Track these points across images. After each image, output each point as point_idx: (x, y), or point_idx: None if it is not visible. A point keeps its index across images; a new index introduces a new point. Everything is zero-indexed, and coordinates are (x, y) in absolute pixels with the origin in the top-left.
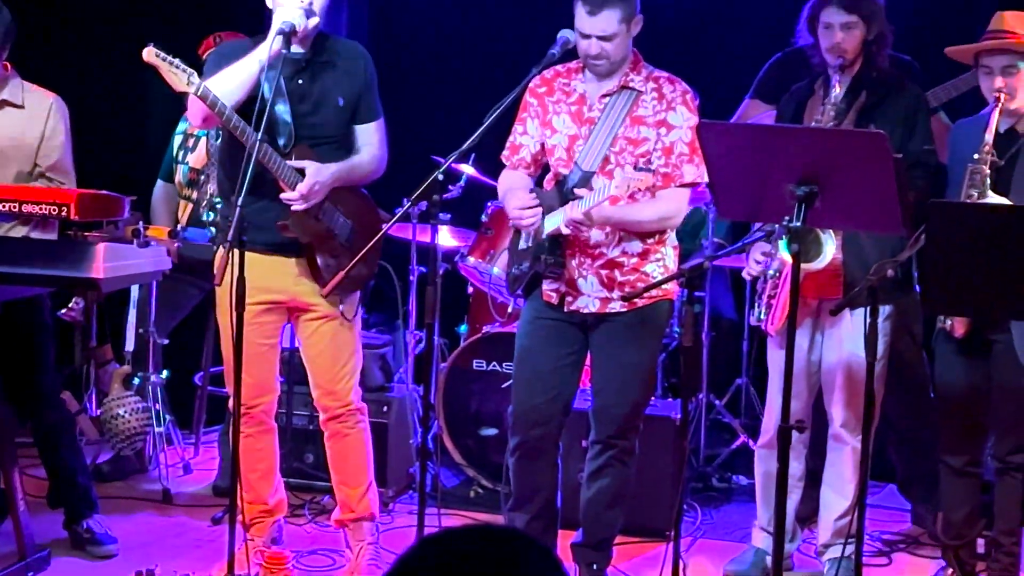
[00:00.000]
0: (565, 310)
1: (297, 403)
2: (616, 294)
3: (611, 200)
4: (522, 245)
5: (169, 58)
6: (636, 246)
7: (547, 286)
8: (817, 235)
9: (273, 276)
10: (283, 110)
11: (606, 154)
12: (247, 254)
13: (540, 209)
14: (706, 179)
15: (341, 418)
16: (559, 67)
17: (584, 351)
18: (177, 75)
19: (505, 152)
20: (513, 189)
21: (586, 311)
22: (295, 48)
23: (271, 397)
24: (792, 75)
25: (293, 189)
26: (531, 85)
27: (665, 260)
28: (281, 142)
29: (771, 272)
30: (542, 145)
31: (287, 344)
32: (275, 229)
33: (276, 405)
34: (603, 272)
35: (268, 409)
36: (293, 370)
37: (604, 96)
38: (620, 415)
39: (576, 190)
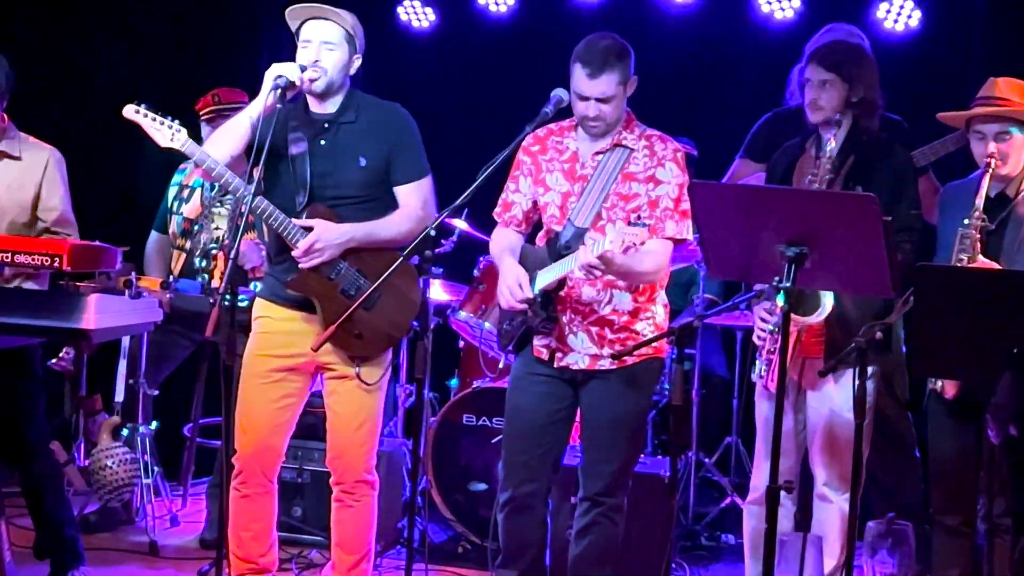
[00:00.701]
0: (555, 366)
1: (287, 456)
2: (606, 351)
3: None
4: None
5: (151, 114)
6: (627, 304)
7: (538, 342)
8: (815, 289)
9: (293, 333)
10: (304, 169)
11: (599, 211)
12: (271, 306)
13: (527, 303)
14: (690, 237)
15: (348, 487)
16: (552, 125)
17: (574, 407)
18: (161, 131)
19: (497, 209)
20: (509, 258)
21: (576, 367)
22: (320, 108)
23: (276, 460)
24: (781, 134)
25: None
26: (524, 143)
27: (655, 318)
28: (299, 200)
29: (770, 328)
30: (534, 203)
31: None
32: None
33: (278, 468)
34: (593, 329)
35: (269, 471)
36: None
37: (597, 154)
38: (609, 472)
39: (589, 234)
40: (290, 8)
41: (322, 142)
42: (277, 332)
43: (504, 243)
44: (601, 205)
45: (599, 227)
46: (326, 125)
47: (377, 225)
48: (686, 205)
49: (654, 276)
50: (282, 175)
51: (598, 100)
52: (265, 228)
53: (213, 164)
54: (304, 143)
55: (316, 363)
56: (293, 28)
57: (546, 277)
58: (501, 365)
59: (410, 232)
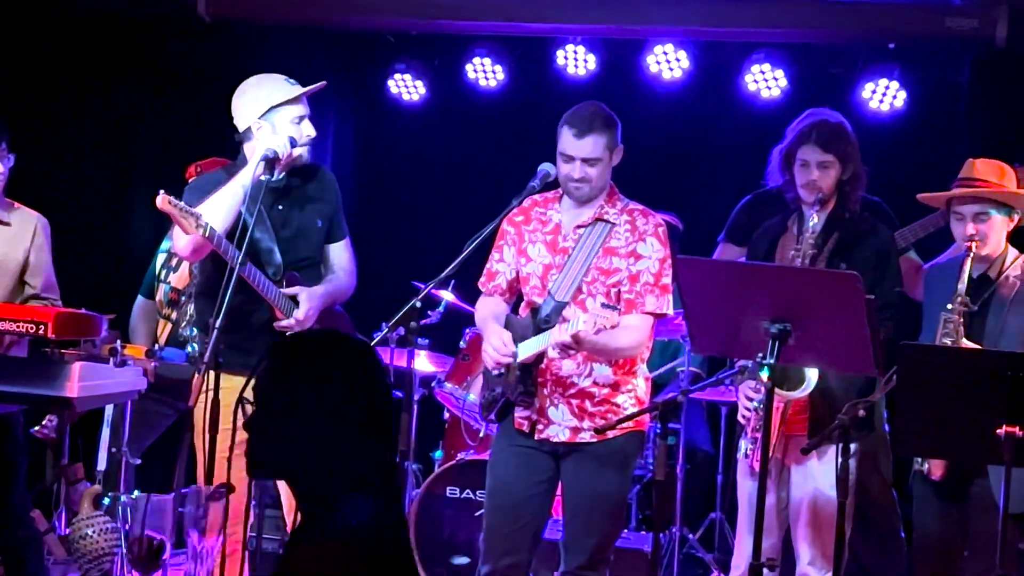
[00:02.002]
0: (535, 438)
1: (268, 527)
2: (587, 424)
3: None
4: (495, 372)
5: (181, 204)
6: (607, 377)
7: (518, 414)
8: (799, 366)
9: None
10: (265, 238)
11: (579, 284)
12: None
13: (512, 360)
14: (671, 312)
15: None
16: (537, 196)
17: (556, 480)
18: (188, 220)
19: (482, 279)
20: (493, 323)
21: (556, 440)
22: (273, 176)
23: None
24: (763, 217)
25: (287, 315)
26: (509, 215)
27: (636, 392)
28: (270, 271)
29: (755, 405)
30: (517, 272)
31: None
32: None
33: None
34: (574, 402)
35: (239, 537)
36: (265, 492)
37: (579, 227)
38: (590, 546)
39: (565, 313)
40: (272, 82)
41: (279, 207)
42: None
43: (489, 311)
44: (581, 279)
45: (579, 301)
46: (280, 190)
47: (336, 286)
48: (667, 280)
49: (632, 351)
50: (253, 243)
51: (584, 161)
52: (201, 301)
53: (220, 240)
54: (264, 212)
55: None
56: (267, 104)
57: (525, 350)
58: (482, 435)
59: (350, 289)
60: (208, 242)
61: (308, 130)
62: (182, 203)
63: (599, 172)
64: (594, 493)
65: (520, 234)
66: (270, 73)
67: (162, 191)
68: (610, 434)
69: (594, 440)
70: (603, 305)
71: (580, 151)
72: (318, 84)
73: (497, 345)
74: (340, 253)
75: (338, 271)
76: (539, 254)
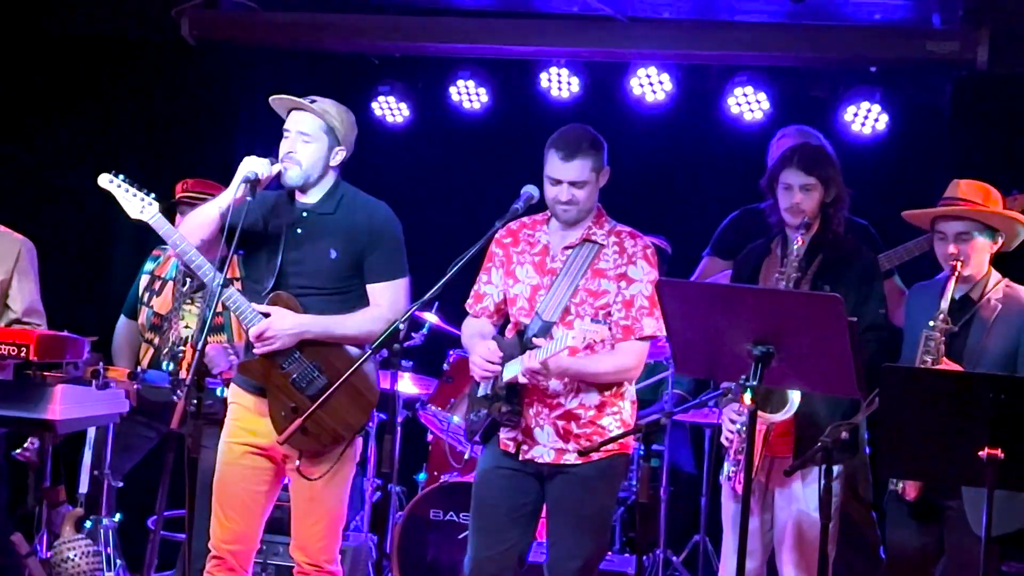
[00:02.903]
0: (520, 459)
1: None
2: (572, 446)
3: (570, 351)
4: (480, 392)
5: (125, 184)
6: (593, 398)
7: (504, 435)
8: (782, 388)
9: (261, 420)
10: (268, 257)
11: (567, 305)
12: (244, 394)
13: (499, 369)
14: (664, 332)
15: None
16: (525, 219)
17: (540, 501)
18: (132, 202)
19: (469, 300)
20: (479, 338)
21: (541, 461)
22: (303, 197)
23: (248, 547)
24: (747, 233)
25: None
26: (497, 236)
27: (622, 414)
28: (264, 286)
29: (738, 427)
30: (505, 294)
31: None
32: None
33: (253, 557)
34: (559, 423)
35: (243, 559)
36: None
37: (567, 248)
38: (574, 568)
39: (534, 339)
40: (273, 97)
41: (298, 230)
42: (246, 419)
43: (475, 330)
44: (569, 300)
45: (567, 322)
46: (304, 214)
47: (335, 321)
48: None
49: (624, 376)
50: (259, 261)
51: (571, 184)
52: (233, 323)
53: (179, 241)
54: (281, 230)
55: (280, 452)
56: (283, 115)
57: (511, 370)
58: (466, 457)
59: (371, 334)
60: (168, 243)
61: (286, 147)
62: (130, 185)
63: (587, 194)
64: (579, 516)
65: (508, 256)
66: (270, 94)
67: (109, 173)
68: (595, 456)
69: (579, 462)
70: (592, 320)
71: (567, 174)
72: (294, 100)
73: (484, 354)
74: (375, 294)
75: (366, 310)
76: (527, 275)
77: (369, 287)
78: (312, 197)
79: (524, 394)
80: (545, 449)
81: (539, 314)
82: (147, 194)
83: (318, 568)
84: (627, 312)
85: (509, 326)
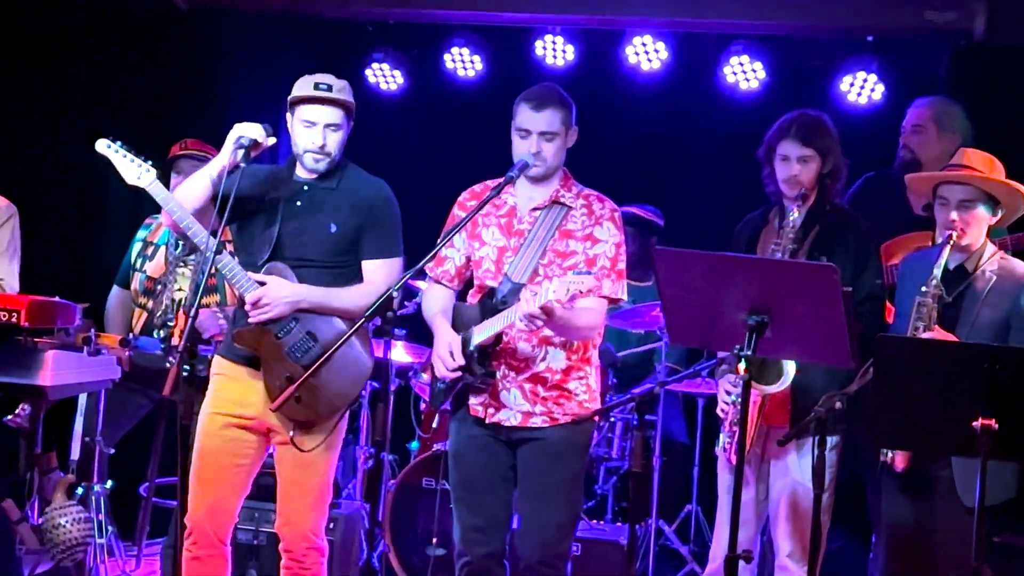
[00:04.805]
0: (487, 422)
1: (243, 517)
2: (539, 408)
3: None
4: (443, 381)
5: (122, 151)
6: (561, 362)
7: (473, 399)
8: (777, 358)
9: (249, 392)
10: (265, 226)
11: (535, 266)
12: (228, 364)
13: (458, 374)
14: (625, 297)
15: (294, 553)
16: (489, 181)
17: (515, 467)
18: (130, 168)
19: (429, 264)
20: (442, 322)
21: (508, 424)
22: (303, 173)
23: (226, 521)
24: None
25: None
26: (461, 199)
27: (588, 379)
28: (261, 255)
29: (733, 398)
30: (467, 259)
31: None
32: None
33: (232, 530)
34: (527, 386)
35: (222, 532)
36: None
37: (535, 210)
38: (544, 538)
39: (529, 286)
40: (295, 97)
41: (297, 203)
42: (231, 390)
43: (437, 304)
44: (538, 261)
45: (536, 283)
46: (305, 188)
47: (333, 292)
48: (622, 265)
49: (589, 333)
50: (254, 232)
51: (540, 135)
52: (227, 286)
53: (175, 207)
54: (280, 203)
55: (266, 424)
56: (291, 99)
57: (484, 333)
58: (435, 424)
59: (359, 306)
60: (164, 208)
61: (314, 139)
62: (124, 150)
63: (555, 148)
64: (546, 482)
65: (472, 219)
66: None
67: (106, 139)
68: (560, 420)
69: (545, 426)
70: (577, 272)
71: (537, 124)
72: (333, 96)
73: (444, 357)
74: (372, 270)
75: (362, 285)
76: (493, 237)
77: (365, 263)
78: (312, 172)
79: (493, 356)
80: (512, 412)
81: (508, 276)
82: (144, 160)
83: (307, 543)
84: (588, 270)
85: (472, 291)
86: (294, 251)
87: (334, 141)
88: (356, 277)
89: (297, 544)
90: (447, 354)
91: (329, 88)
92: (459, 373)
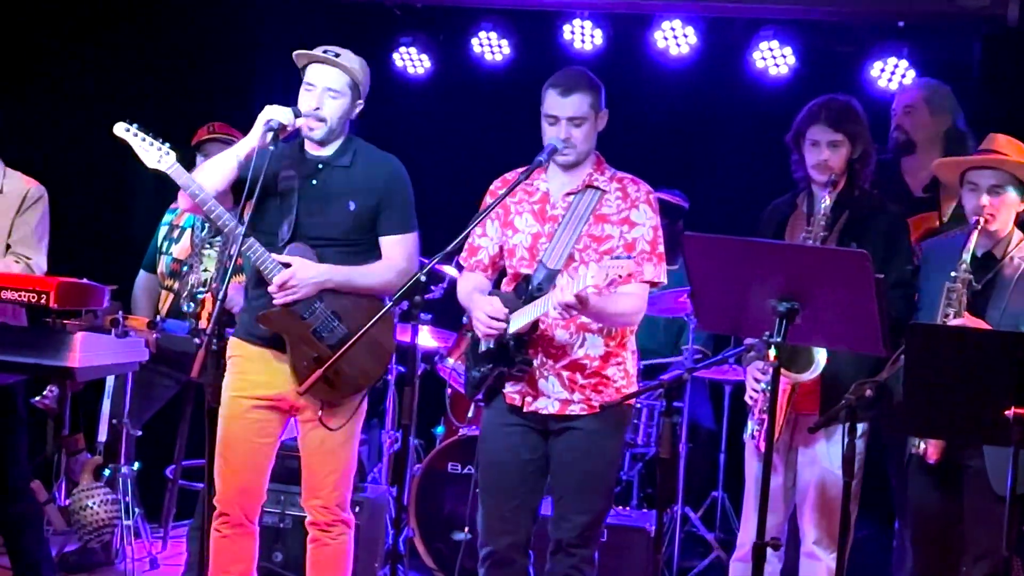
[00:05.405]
0: (524, 410)
1: (269, 500)
2: (577, 396)
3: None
4: (483, 348)
5: (141, 134)
6: (599, 348)
7: (509, 387)
8: (808, 346)
9: (272, 372)
10: (285, 207)
11: (571, 252)
12: (248, 347)
13: (505, 325)
14: (665, 280)
15: (324, 526)
16: (521, 168)
17: (548, 457)
18: (149, 152)
19: (463, 254)
20: (479, 294)
21: (545, 412)
22: (316, 150)
23: (255, 500)
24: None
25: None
26: (492, 187)
27: (626, 364)
28: (282, 236)
29: (763, 386)
30: (500, 247)
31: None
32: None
33: (260, 509)
34: (565, 374)
35: (251, 512)
36: None
37: (568, 195)
38: (580, 524)
39: (564, 273)
40: (299, 52)
41: (313, 182)
42: (252, 371)
43: (472, 286)
44: (573, 246)
45: (571, 269)
46: (319, 166)
47: (357, 271)
48: (661, 248)
49: (630, 319)
50: (270, 212)
51: (569, 121)
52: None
53: (198, 190)
54: (295, 182)
55: (290, 403)
56: (300, 65)
57: (520, 320)
58: (471, 413)
59: (389, 284)
60: (186, 192)
61: (311, 102)
62: (146, 134)
63: (585, 133)
64: (583, 471)
65: (505, 206)
66: (290, 44)
67: (124, 122)
68: (597, 408)
69: (583, 414)
70: (615, 257)
71: (566, 110)
72: (317, 51)
73: (489, 310)
74: (388, 246)
75: (383, 262)
76: (526, 224)
77: (383, 239)
78: (327, 150)
79: (530, 344)
80: (550, 400)
81: (543, 262)
82: (163, 143)
83: (335, 516)
84: (627, 255)
85: (506, 280)
86: (314, 230)
87: (332, 108)
88: (372, 254)
89: (325, 518)
90: (491, 308)
91: (337, 56)
92: (504, 326)
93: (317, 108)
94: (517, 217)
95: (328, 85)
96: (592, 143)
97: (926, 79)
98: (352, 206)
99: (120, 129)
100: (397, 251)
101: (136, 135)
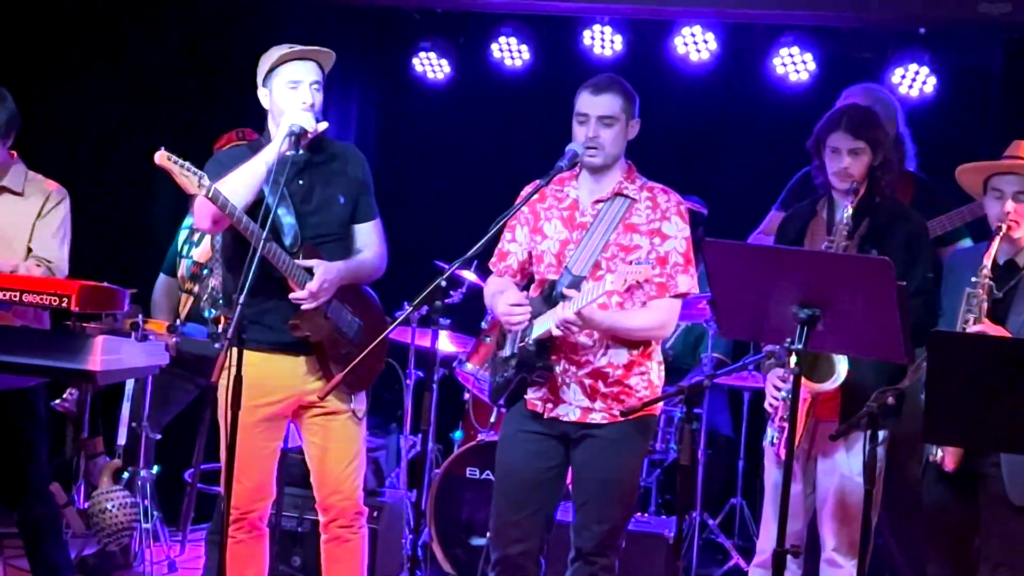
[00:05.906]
0: (545, 417)
1: (287, 504)
2: (599, 404)
3: (608, 295)
4: (506, 353)
5: (180, 161)
6: (622, 357)
7: (531, 394)
8: (829, 355)
9: (278, 377)
10: (284, 212)
11: (597, 259)
12: (253, 354)
13: (530, 309)
14: (698, 290)
15: (343, 521)
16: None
17: (565, 465)
18: (189, 178)
19: (493, 259)
20: (502, 291)
21: (566, 420)
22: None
23: (267, 502)
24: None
25: (302, 288)
26: (523, 192)
27: (650, 374)
28: (287, 243)
29: (783, 394)
30: (530, 253)
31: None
32: (281, 329)
33: (269, 509)
34: (587, 381)
35: (262, 515)
36: (284, 471)
37: (598, 202)
38: (601, 532)
39: (565, 291)
40: (276, 48)
41: (300, 182)
42: (255, 378)
43: (498, 287)
44: (600, 254)
45: (597, 276)
46: (303, 166)
47: (357, 263)
48: (692, 257)
49: (654, 332)
50: (262, 217)
51: (599, 120)
52: (226, 272)
53: (234, 210)
54: (283, 183)
55: (299, 403)
56: (266, 68)
57: (541, 327)
58: (492, 418)
59: (380, 270)
60: (222, 212)
61: (304, 98)
62: (184, 161)
63: (613, 135)
64: (606, 480)
65: (535, 213)
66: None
67: (162, 148)
68: (620, 417)
69: (605, 423)
70: (635, 261)
71: (596, 108)
72: (312, 48)
73: (511, 300)
74: (367, 233)
75: (364, 250)
76: (555, 230)
77: (361, 227)
78: (303, 148)
79: (553, 351)
80: (571, 408)
81: (568, 269)
82: (200, 170)
83: (355, 508)
84: (661, 269)
85: (533, 286)
86: (314, 229)
87: (318, 101)
88: (347, 242)
89: (345, 510)
90: (513, 297)
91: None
92: (526, 318)
93: (313, 104)
94: (546, 223)
95: (313, 79)
96: (620, 148)
97: (864, 84)
98: (341, 199)
99: (162, 159)
100: (373, 237)
101: (176, 162)
